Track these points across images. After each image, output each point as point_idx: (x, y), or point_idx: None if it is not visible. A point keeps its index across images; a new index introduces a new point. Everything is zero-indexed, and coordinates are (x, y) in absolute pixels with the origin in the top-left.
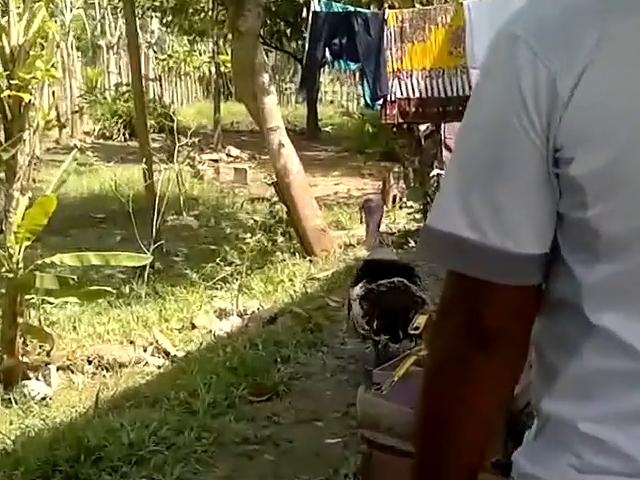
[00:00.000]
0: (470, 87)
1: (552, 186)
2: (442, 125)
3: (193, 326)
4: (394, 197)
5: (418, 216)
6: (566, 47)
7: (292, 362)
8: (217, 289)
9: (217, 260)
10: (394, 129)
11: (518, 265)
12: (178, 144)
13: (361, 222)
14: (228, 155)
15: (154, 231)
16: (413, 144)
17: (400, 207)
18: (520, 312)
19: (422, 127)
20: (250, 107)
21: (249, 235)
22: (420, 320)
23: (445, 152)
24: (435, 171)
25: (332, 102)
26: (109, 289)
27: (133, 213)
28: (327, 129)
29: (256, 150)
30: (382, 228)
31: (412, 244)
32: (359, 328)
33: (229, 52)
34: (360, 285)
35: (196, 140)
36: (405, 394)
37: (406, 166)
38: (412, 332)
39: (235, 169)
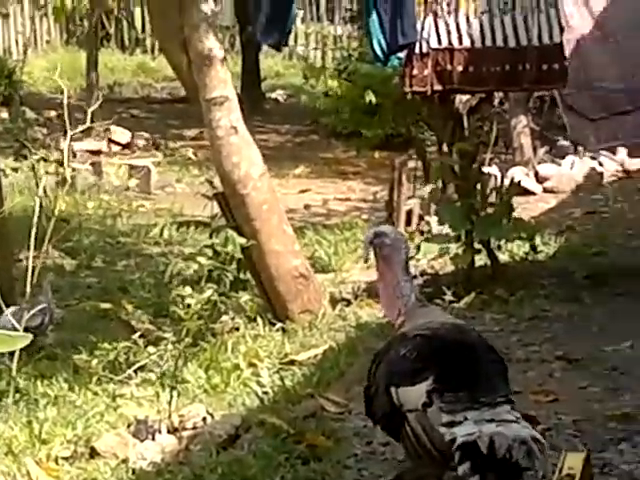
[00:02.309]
0: (561, 30)
1: None
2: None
3: (93, 452)
4: (409, 214)
5: (455, 247)
6: None
7: None
8: (125, 383)
9: (119, 328)
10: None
11: None
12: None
13: (365, 261)
14: (113, 142)
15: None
16: (449, 124)
17: (421, 232)
18: None
19: (463, 96)
20: (175, 62)
21: (188, 290)
22: (572, 462)
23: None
24: (491, 169)
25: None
26: None
27: None
28: (274, 95)
29: (160, 132)
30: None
31: (449, 297)
32: (443, 448)
33: None
34: (428, 384)
35: (55, 115)
36: None
37: (428, 160)
38: None
39: (130, 167)
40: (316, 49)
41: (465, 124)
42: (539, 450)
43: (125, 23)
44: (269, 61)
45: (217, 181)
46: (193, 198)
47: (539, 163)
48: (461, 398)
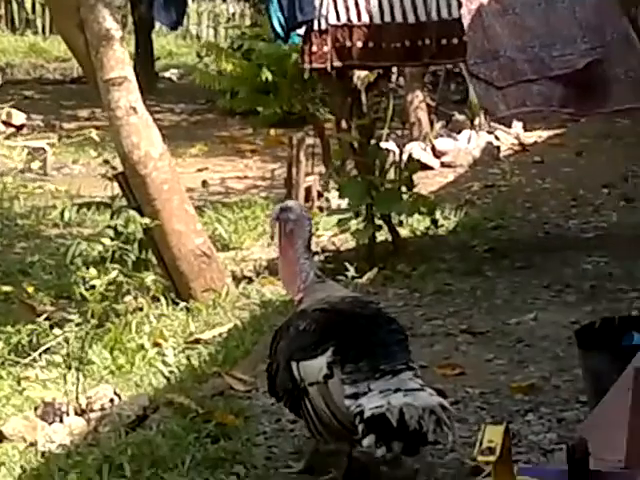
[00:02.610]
0: (459, 4)
1: None
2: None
3: (0, 436)
4: (308, 191)
5: (356, 223)
6: None
7: None
8: (29, 365)
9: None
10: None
11: None
12: None
13: (272, 238)
14: (7, 124)
15: None
16: (347, 100)
17: (321, 209)
18: None
19: (361, 72)
20: (72, 43)
21: (93, 271)
22: (492, 435)
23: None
24: (388, 145)
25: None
26: None
27: None
28: (168, 75)
29: (54, 113)
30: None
31: (352, 272)
32: (345, 421)
33: None
34: (328, 356)
35: None
36: None
37: (326, 137)
38: (482, 459)
39: (27, 150)
40: (209, 27)
41: (363, 100)
42: (447, 417)
43: (15, 4)
44: (162, 40)
45: (116, 162)
46: (90, 179)
47: (436, 138)
48: (362, 368)
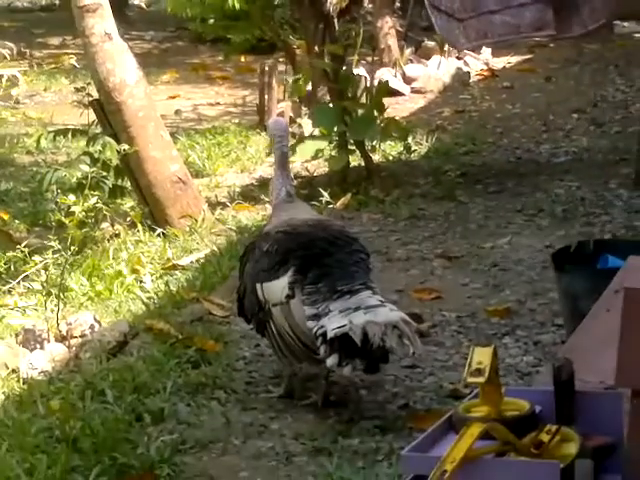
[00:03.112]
0: None
1: None
2: None
3: None
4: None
5: (329, 150)
6: None
7: (170, 422)
8: (8, 293)
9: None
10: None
11: None
12: None
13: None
14: None
15: None
16: (319, 26)
17: (294, 135)
18: None
19: None
20: None
21: (72, 197)
22: (481, 356)
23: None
24: (359, 71)
25: None
26: None
27: None
28: (137, 2)
29: (24, 41)
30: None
31: (326, 198)
32: (307, 341)
33: None
34: (289, 276)
35: None
36: None
37: (298, 63)
38: (471, 380)
39: (7, 76)
40: None
41: (336, 26)
42: (410, 331)
43: None
44: None
45: (90, 88)
46: (62, 107)
47: (406, 64)
48: (321, 289)
